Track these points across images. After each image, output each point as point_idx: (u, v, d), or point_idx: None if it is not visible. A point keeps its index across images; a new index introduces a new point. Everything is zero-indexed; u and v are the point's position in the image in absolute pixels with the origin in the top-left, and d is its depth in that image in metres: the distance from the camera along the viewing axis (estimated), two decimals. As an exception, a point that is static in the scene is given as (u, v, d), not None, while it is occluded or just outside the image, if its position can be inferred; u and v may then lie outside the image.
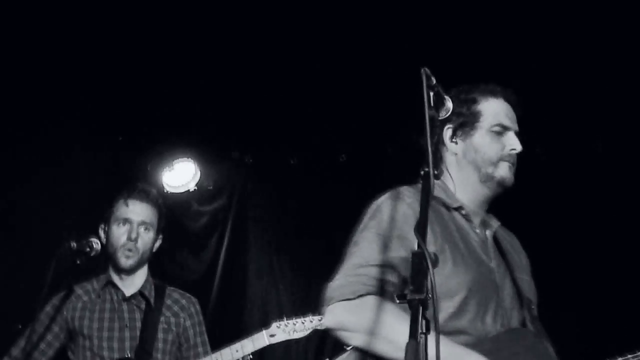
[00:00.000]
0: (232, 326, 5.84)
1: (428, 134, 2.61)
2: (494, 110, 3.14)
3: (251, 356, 5.69)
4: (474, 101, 3.15)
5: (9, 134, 5.76)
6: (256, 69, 5.88)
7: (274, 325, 4.41)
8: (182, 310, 4.54)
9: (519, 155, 3.18)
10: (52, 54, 5.60)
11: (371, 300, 2.81)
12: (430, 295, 2.31)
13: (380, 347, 2.78)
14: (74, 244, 4.24)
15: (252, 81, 5.95)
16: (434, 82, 2.72)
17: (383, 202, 3.03)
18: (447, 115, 2.82)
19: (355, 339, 2.83)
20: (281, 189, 6.55)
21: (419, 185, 3.01)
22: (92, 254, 4.31)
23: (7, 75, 5.53)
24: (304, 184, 6.36)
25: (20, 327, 4.58)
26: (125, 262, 4.42)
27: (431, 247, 2.86)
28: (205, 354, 4.51)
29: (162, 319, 4.47)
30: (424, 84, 2.69)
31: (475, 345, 2.77)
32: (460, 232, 3.06)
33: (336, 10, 5.38)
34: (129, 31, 5.58)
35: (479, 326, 2.88)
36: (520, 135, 3.18)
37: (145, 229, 4.43)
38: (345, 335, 2.85)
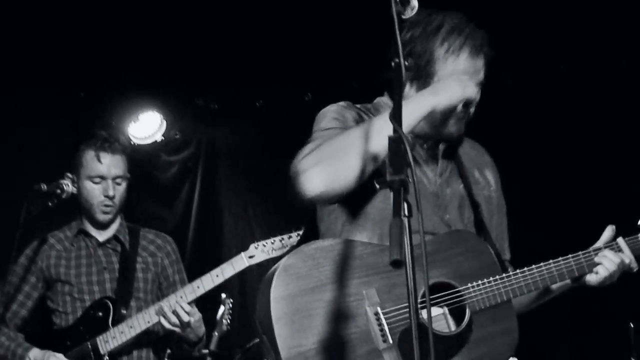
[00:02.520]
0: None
1: (396, 27, 2.59)
2: (450, 72, 2.97)
3: (231, 300, 5.71)
4: (432, 57, 2.97)
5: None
6: (214, 13, 5.84)
7: (252, 246, 4.39)
8: (158, 250, 4.53)
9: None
10: (11, 13, 5.53)
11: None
12: (410, 178, 2.32)
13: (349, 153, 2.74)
14: (44, 186, 4.21)
15: (210, 26, 5.90)
16: None
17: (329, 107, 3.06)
18: (412, 16, 2.79)
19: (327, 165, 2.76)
20: (249, 132, 6.52)
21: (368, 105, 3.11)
22: (64, 195, 4.29)
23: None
24: (271, 126, 6.34)
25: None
26: (103, 217, 4.40)
27: None
28: None
29: (139, 259, 4.46)
30: (389, -23, 2.67)
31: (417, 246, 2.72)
32: None
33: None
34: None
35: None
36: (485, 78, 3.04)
37: (119, 182, 4.40)
38: (318, 177, 2.76)
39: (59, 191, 4.25)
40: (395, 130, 2.42)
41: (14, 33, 5.67)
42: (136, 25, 5.83)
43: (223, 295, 5.60)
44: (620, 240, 3.04)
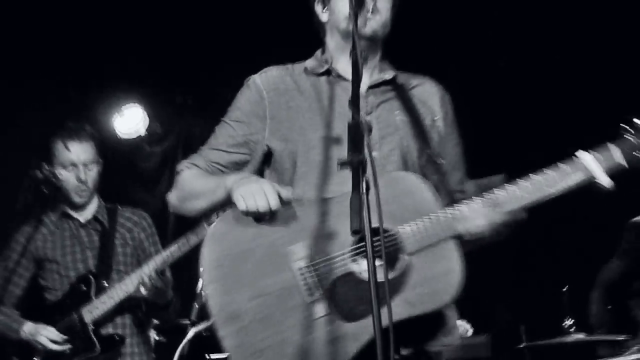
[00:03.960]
0: (190, 255, 6.11)
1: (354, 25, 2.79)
2: None
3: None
4: None
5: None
6: (192, 16, 6.24)
7: (213, 216, 4.65)
8: (135, 225, 4.88)
9: None
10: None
11: (183, 173, 3.21)
12: (368, 158, 2.54)
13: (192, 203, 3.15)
14: (39, 174, 4.58)
15: (186, 29, 6.33)
16: None
17: (240, 91, 3.28)
18: None
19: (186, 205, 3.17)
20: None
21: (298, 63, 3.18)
22: (57, 183, 4.68)
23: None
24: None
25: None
26: (79, 200, 4.77)
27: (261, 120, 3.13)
28: None
29: (117, 235, 4.80)
30: None
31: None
32: (319, 95, 3.10)
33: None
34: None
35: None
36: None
37: (90, 167, 4.76)
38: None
39: (53, 178, 4.63)
40: (353, 117, 2.64)
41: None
42: (119, 25, 6.20)
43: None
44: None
